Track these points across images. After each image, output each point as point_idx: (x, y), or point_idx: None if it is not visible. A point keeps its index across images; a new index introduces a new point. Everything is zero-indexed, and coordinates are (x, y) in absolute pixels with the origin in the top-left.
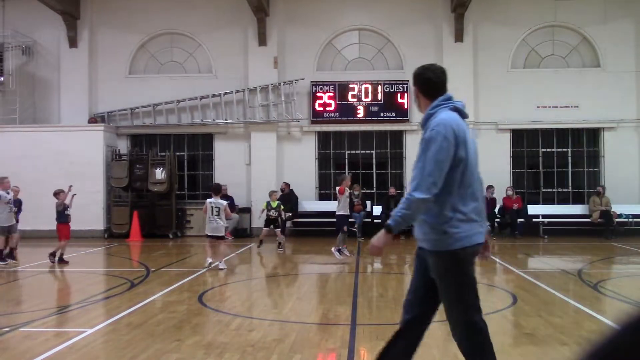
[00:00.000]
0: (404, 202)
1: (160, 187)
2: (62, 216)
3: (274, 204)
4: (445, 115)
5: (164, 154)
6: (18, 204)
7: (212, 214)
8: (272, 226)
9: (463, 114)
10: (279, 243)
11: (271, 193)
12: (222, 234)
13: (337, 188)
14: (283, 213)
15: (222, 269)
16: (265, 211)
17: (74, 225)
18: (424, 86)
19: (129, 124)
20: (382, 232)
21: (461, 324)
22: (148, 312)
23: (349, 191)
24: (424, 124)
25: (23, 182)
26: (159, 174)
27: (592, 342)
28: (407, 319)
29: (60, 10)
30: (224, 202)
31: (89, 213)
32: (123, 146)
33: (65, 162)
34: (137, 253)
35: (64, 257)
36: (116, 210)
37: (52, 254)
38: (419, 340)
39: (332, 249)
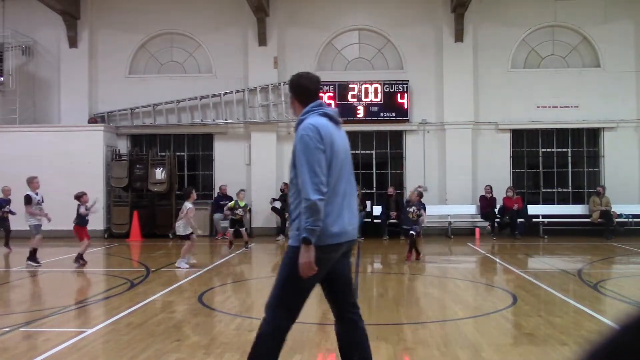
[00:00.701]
0: (305, 211)
1: (160, 187)
2: (82, 219)
3: (242, 204)
4: (312, 120)
5: (164, 154)
6: (6, 203)
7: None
8: (237, 226)
9: (334, 120)
10: (246, 242)
11: (239, 192)
12: (182, 234)
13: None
14: (248, 214)
15: (179, 267)
16: (232, 210)
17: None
18: (299, 93)
19: (129, 124)
20: (302, 248)
21: (270, 316)
22: (148, 312)
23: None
24: (296, 128)
25: (23, 182)
26: (159, 174)
27: (592, 342)
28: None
29: (60, 10)
30: (188, 205)
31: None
32: (123, 146)
33: (65, 162)
34: (137, 253)
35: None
36: (116, 210)
37: (80, 256)
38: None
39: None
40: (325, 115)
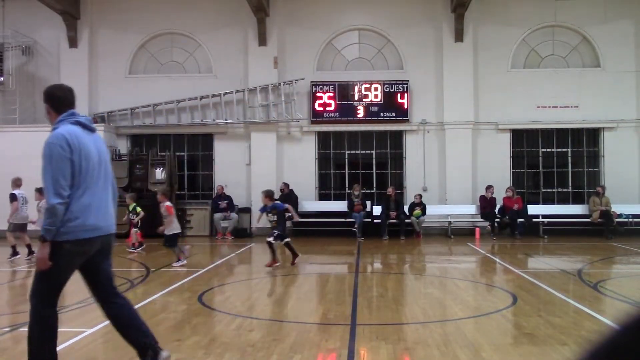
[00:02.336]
0: (46, 212)
1: (160, 187)
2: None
3: (131, 207)
4: (63, 129)
5: (164, 154)
6: None
7: None
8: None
9: (87, 127)
10: (140, 244)
11: (130, 197)
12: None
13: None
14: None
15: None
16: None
17: None
18: (53, 103)
19: (129, 124)
20: (39, 245)
21: (33, 307)
22: (148, 312)
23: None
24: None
25: (23, 182)
26: (159, 174)
27: (592, 342)
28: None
29: (60, 10)
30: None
31: None
32: (123, 146)
33: None
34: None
35: None
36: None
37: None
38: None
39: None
40: (78, 123)
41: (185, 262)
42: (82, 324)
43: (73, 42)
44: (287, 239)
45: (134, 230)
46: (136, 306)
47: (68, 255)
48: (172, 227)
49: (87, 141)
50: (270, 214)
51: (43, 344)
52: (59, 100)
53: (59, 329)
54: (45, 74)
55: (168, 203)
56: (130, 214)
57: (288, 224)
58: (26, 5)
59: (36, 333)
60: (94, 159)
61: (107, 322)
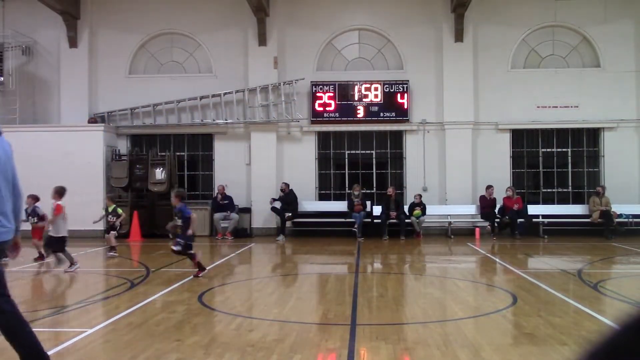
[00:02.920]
0: None
1: (160, 187)
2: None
3: (111, 209)
4: None
5: (164, 154)
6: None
7: None
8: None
9: None
10: (112, 247)
11: (109, 197)
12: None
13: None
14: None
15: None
16: (105, 216)
17: (73, 225)
18: None
19: (129, 124)
20: None
21: None
22: (148, 312)
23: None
24: None
25: (23, 182)
26: (159, 174)
27: (592, 342)
28: None
29: (60, 10)
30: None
31: (89, 213)
32: (123, 146)
33: (65, 162)
34: (137, 253)
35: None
36: None
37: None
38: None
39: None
40: None
41: (78, 265)
42: (82, 324)
43: (73, 42)
44: (191, 251)
45: (112, 233)
46: (136, 306)
47: None
48: (59, 229)
49: None
50: (176, 217)
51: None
52: None
53: (58, 329)
54: (45, 74)
55: (60, 202)
56: (110, 216)
57: (288, 223)
58: (26, 5)
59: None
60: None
61: (107, 322)
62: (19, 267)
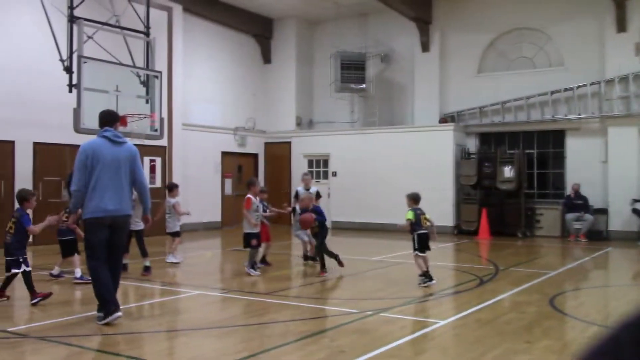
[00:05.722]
0: (72, 195)
1: (509, 185)
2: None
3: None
4: (90, 140)
5: (512, 151)
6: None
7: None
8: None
9: (112, 140)
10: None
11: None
12: (172, 231)
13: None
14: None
15: (173, 262)
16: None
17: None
18: (99, 122)
19: (478, 122)
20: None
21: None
22: (497, 310)
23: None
24: None
25: (384, 180)
26: (508, 172)
27: (594, 339)
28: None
29: (413, 17)
30: (172, 201)
31: (439, 209)
32: (472, 144)
33: (415, 161)
34: (486, 251)
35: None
36: (465, 207)
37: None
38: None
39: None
40: (103, 136)
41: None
42: (434, 315)
43: (425, 47)
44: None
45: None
46: (485, 303)
47: (93, 226)
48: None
49: (104, 149)
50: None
51: (96, 284)
52: (100, 121)
53: (414, 318)
54: (400, 78)
55: (249, 195)
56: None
57: None
58: (385, 16)
59: (92, 277)
60: (107, 162)
61: (457, 316)
62: (379, 257)
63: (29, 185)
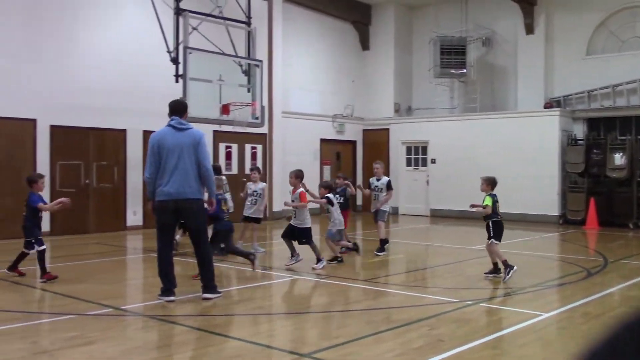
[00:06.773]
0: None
1: (620, 174)
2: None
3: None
4: (159, 130)
5: (624, 137)
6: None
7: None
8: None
9: (175, 128)
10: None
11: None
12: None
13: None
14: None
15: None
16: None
17: (525, 209)
18: (169, 110)
19: (586, 107)
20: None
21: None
22: (606, 304)
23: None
24: None
25: (477, 167)
26: (618, 159)
27: (593, 340)
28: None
29: None
30: (262, 185)
31: (543, 198)
32: (579, 130)
33: (518, 148)
34: (593, 241)
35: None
36: (571, 196)
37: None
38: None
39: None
40: (169, 125)
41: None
42: (537, 307)
43: (529, 29)
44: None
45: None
46: (593, 296)
47: (158, 210)
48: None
49: (169, 137)
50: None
51: (161, 263)
52: (170, 110)
53: (516, 309)
54: (502, 62)
55: (301, 189)
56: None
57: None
58: None
59: (158, 258)
60: (171, 148)
61: (562, 309)
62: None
63: (139, 173)
